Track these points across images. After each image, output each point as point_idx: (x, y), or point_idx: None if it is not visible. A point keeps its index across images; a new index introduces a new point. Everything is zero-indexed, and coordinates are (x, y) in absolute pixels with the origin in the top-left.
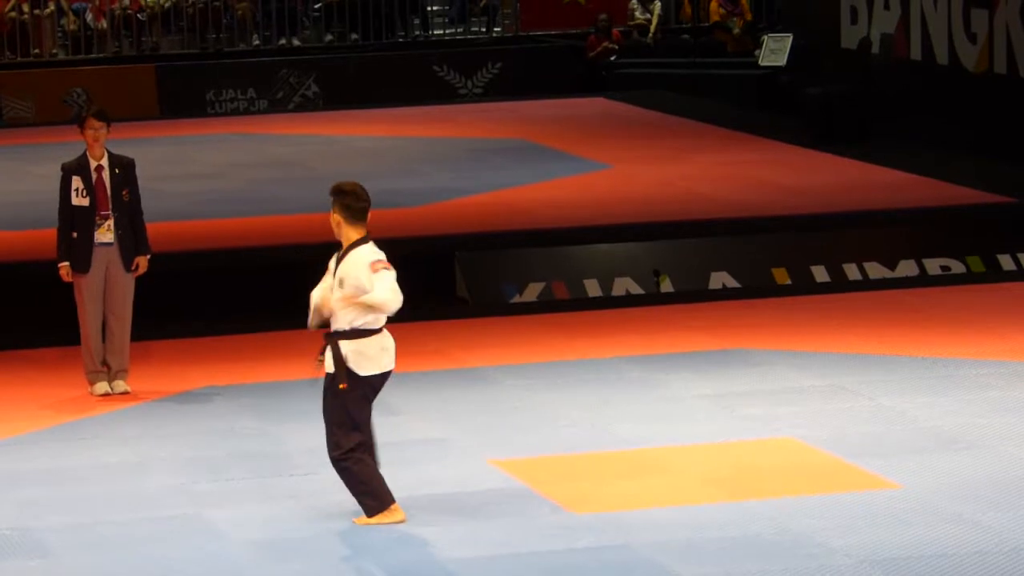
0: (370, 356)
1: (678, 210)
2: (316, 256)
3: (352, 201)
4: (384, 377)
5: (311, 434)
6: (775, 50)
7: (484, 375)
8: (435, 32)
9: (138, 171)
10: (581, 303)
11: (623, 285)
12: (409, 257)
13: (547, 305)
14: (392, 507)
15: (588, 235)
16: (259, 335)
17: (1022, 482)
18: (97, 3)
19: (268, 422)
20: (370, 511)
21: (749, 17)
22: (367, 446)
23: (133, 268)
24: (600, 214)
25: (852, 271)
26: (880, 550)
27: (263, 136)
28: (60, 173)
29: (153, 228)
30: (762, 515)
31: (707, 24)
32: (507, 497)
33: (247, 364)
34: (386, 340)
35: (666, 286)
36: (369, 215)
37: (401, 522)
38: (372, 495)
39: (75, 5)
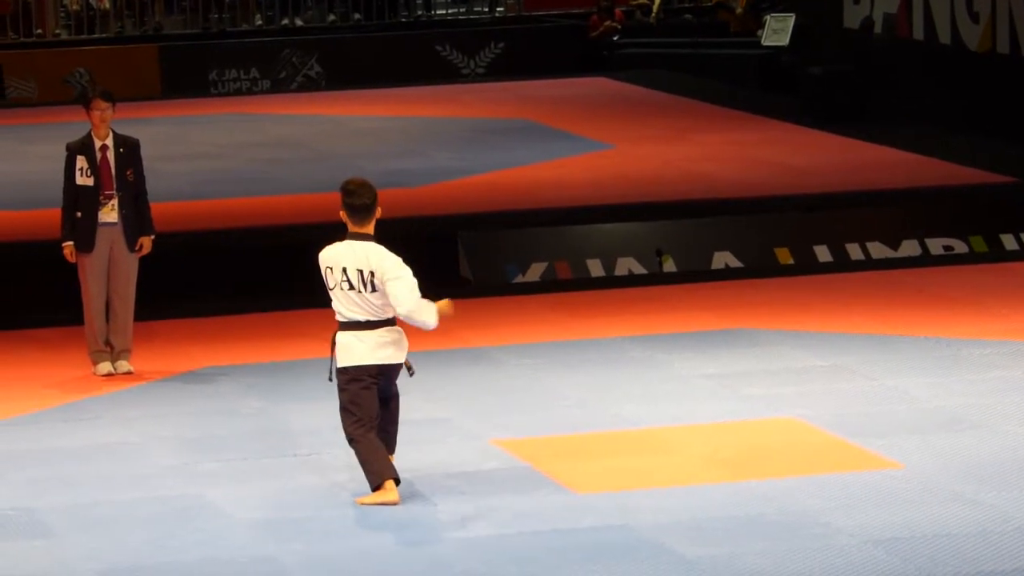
0: (348, 347)
1: (681, 190)
2: (319, 236)
3: (349, 199)
4: (369, 370)
5: (314, 414)
6: (778, 30)
7: (487, 355)
8: (437, 12)
9: (142, 151)
10: (584, 283)
11: (626, 265)
12: (412, 237)
13: (550, 285)
14: (386, 485)
15: (591, 215)
16: (262, 315)
17: None
18: None
19: (271, 402)
20: (371, 487)
21: None
22: (369, 426)
23: (137, 248)
24: (603, 194)
25: (855, 251)
26: (883, 530)
27: (266, 116)
28: (64, 153)
29: (156, 208)
30: (765, 495)
31: (710, 4)
32: (510, 477)
33: (250, 344)
34: (379, 337)
35: (669, 266)
36: (377, 211)
37: (392, 503)
38: (371, 472)
39: None
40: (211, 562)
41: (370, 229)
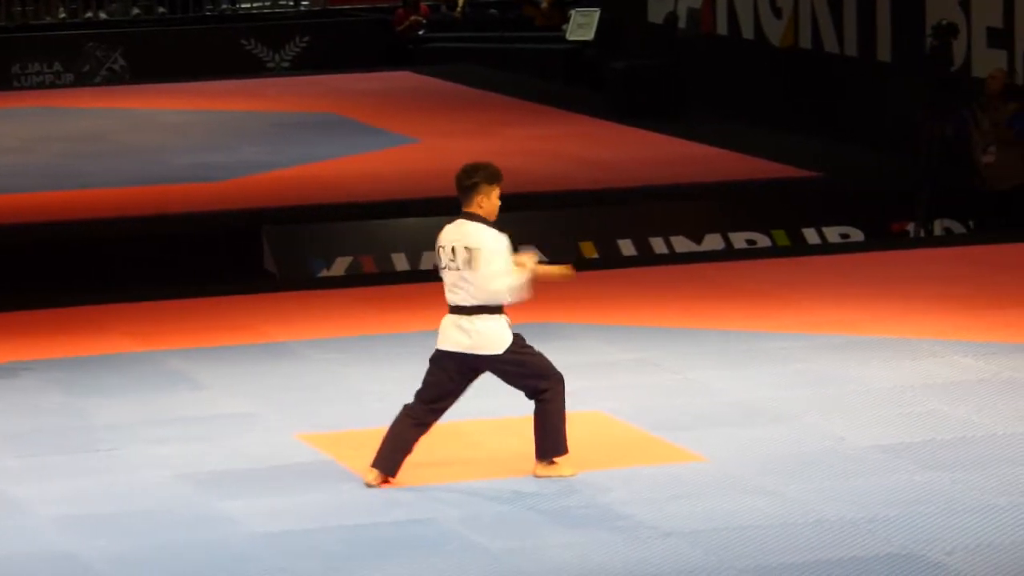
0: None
1: None
2: (123, 230)
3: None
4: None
5: (117, 409)
6: (583, 24)
7: (292, 349)
8: (242, 5)
9: None
10: (389, 277)
11: (431, 259)
12: (216, 231)
13: (355, 279)
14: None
15: (396, 209)
16: (64, 310)
17: (824, 454)
18: None
19: (74, 396)
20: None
21: None
22: (416, 412)
23: None
24: (408, 188)
25: (659, 245)
26: (687, 522)
27: (69, 110)
28: None
29: None
30: (570, 488)
31: None
32: (315, 472)
33: (52, 339)
34: (445, 320)
35: None
36: (479, 194)
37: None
38: (378, 452)
39: None
40: (13, 559)
41: (473, 208)
